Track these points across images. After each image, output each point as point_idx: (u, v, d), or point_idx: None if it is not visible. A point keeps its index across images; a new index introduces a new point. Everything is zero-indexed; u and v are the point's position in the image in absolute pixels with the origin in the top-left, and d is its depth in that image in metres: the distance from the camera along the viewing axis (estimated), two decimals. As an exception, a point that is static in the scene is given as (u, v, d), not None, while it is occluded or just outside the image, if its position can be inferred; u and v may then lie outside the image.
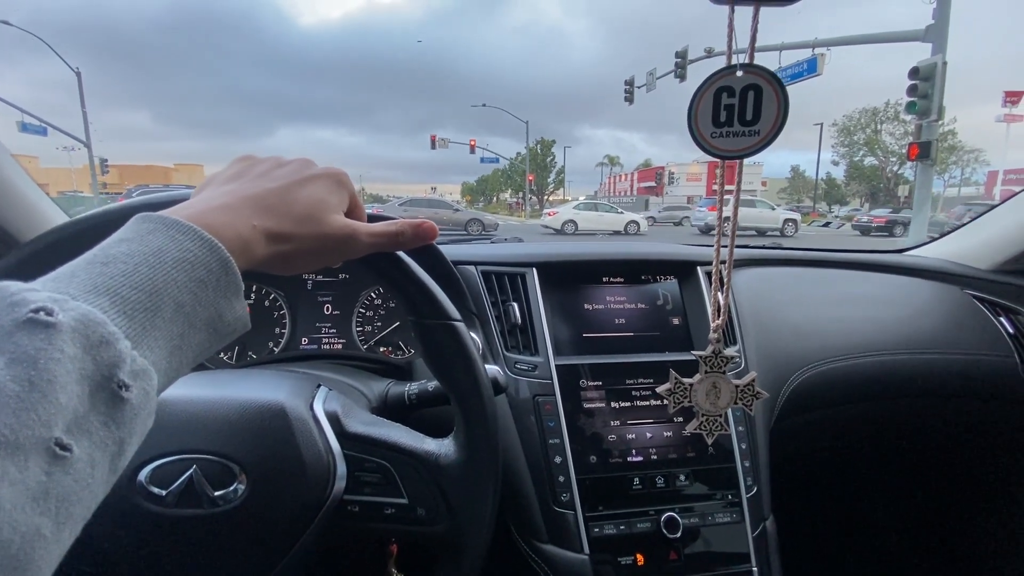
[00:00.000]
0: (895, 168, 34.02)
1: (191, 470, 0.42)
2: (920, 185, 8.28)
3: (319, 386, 0.51)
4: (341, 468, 0.45)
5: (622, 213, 18.93)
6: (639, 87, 13.17)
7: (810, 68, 9.61)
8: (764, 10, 0.47)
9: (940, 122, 7.37)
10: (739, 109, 0.50)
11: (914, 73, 7.12)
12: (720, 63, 0.50)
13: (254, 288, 0.83)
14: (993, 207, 1.12)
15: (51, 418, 0.20)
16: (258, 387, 0.48)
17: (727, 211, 0.55)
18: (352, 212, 0.39)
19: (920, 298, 1.04)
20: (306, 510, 0.43)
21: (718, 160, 0.52)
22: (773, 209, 18.99)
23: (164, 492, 0.41)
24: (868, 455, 1.17)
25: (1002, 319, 0.98)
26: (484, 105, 30.68)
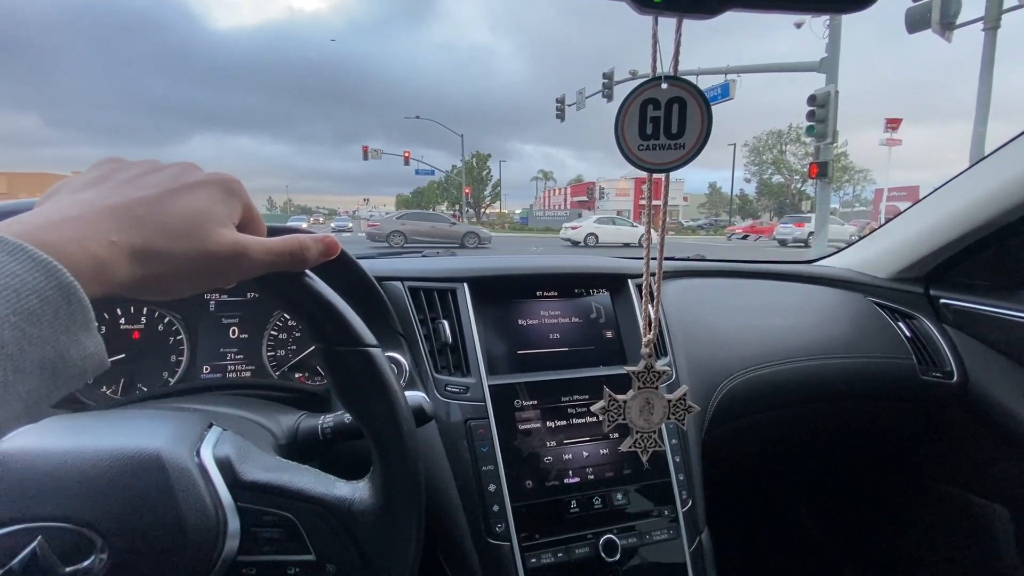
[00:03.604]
0: (799, 185, 37.48)
1: (35, 543, 0.34)
2: (820, 201, 9.15)
3: (211, 426, 0.44)
4: (233, 524, 0.39)
5: (636, 227, 19.71)
6: (569, 105, 13.61)
7: (724, 92, 10.40)
8: (683, 33, 0.47)
9: (834, 144, 8.21)
10: (664, 122, 0.49)
11: (811, 100, 7.90)
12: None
13: (144, 311, 0.73)
14: (888, 220, 1.23)
15: None
16: (131, 432, 0.40)
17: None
18: (247, 226, 0.34)
19: (829, 306, 1.11)
20: None
21: (644, 176, 0.51)
22: (843, 225, 20.16)
23: None
24: (793, 459, 1.22)
25: (900, 324, 1.06)
26: (418, 117, 30.45)
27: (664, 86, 0.48)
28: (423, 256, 1.10)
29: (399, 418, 0.40)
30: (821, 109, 7.82)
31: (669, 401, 0.55)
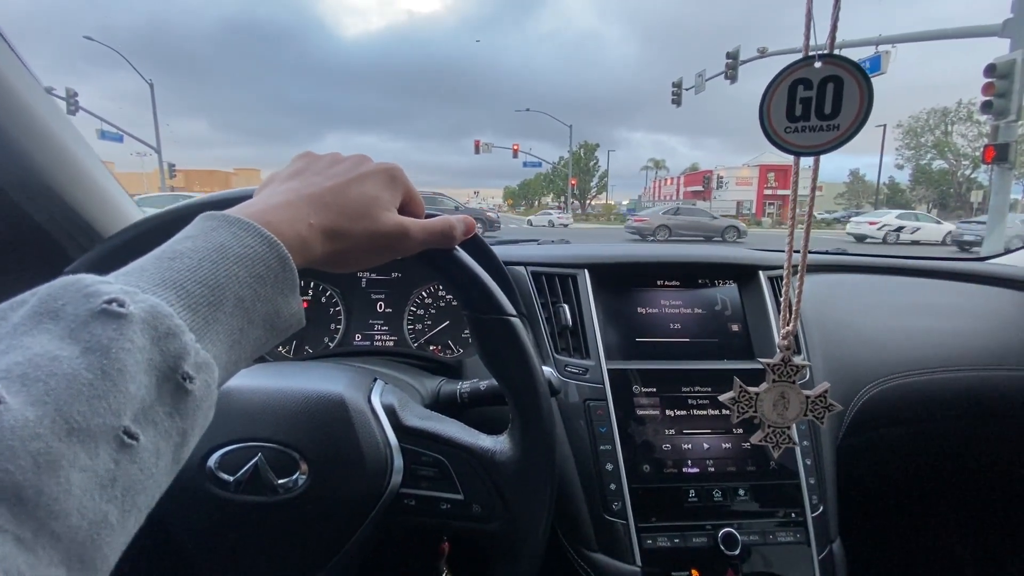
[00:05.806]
0: (967, 172, 31.75)
1: (256, 458, 0.43)
2: (997, 191, 7.65)
3: (376, 379, 0.52)
4: (398, 461, 0.45)
5: (941, 224, 17.82)
6: (687, 89, 12.87)
7: (873, 67, 9.09)
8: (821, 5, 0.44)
9: (1019, 122, 6.82)
10: (817, 102, 0.47)
11: (990, 71, 6.61)
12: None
13: (311, 285, 0.85)
14: None
15: (121, 407, 0.20)
16: (318, 379, 0.49)
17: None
18: (407, 207, 0.39)
19: (1007, 310, 0.96)
20: (365, 501, 0.44)
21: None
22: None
23: (231, 478, 0.42)
24: (946, 480, 1.07)
25: None
26: (528, 110, 30.84)
27: (818, 65, 0.46)
28: (539, 244, 1.14)
29: (536, 380, 0.43)
30: (1002, 81, 6.52)
31: (807, 397, 0.52)
